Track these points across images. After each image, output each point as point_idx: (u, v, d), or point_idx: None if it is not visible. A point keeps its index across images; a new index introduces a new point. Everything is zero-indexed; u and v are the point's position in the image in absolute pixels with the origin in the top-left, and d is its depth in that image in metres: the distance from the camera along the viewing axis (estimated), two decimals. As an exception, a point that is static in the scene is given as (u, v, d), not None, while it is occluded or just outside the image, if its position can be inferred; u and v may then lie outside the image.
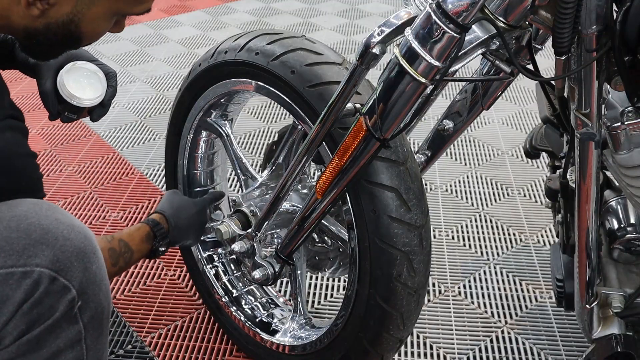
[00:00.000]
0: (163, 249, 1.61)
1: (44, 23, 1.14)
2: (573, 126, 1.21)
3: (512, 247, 2.26)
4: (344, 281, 2.09)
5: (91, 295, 1.15)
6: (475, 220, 2.40)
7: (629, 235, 1.43)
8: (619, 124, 1.16)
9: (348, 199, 1.38)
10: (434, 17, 1.09)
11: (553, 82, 1.24)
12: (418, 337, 1.90)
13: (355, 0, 4.82)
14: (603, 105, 1.18)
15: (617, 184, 1.47)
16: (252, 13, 4.67)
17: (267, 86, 1.50)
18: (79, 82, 1.45)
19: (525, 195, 2.54)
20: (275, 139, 1.67)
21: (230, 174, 2.49)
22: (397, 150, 1.35)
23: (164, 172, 2.45)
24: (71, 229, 1.14)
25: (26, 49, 1.24)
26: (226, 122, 1.76)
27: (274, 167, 1.63)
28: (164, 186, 1.99)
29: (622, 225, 1.44)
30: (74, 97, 1.44)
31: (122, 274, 1.63)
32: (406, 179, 1.35)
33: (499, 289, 2.08)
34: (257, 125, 3.09)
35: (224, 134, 1.74)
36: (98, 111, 1.54)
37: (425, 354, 1.85)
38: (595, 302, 1.41)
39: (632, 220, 1.44)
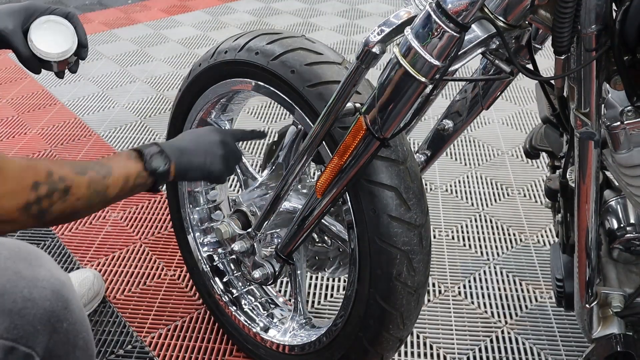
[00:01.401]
0: (158, 162, 1.28)
1: None
2: (573, 126, 1.21)
3: (512, 247, 2.26)
4: (344, 281, 2.09)
5: (63, 356, 1.03)
6: (475, 220, 2.40)
7: (628, 235, 1.43)
8: (618, 123, 1.16)
9: (348, 198, 1.38)
10: (433, 16, 1.09)
11: (553, 81, 1.24)
12: (418, 337, 1.90)
13: (355, 0, 4.82)
14: (602, 105, 1.18)
15: (616, 184, 1.47)
16: (252, 13, 4.67)
17: (267, 86, 1.50)
18: (49, 38, 1.43)
19: (525, 195, 2.54)
20: (275, 139, 1.67)
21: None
22: (397, 149, 1.35)
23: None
24: (34, 285, 1.00)
25: None
26: (226, 122, 1.76)
27: (274, 167, 1.63)
28: (164, 186, 1.99)
29: (622, 225, 1.44)
30: (51, 54, 1.42)
31: (104, 190, 1.22)
32: (406, 178, 1.35)
33: (499, 289, 2.08)
34: (257, 125, 3.09)
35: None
36: (82, 52, 1.45)
37: (425, 354, 1.85)
38: (595, 302, 1.41)
39: (632, 220, 1.44)
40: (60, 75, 1.45)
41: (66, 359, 1.04)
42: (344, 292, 1.59)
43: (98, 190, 1.21)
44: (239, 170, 1.72)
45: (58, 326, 1.01)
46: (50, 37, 1.41)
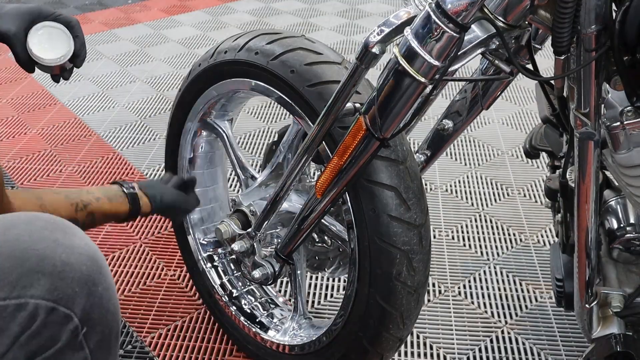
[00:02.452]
0: (147, 210, 1.59)
1: None
2: (572, 126, 1.21)
3: (512, 247, 2.26)
4: (344, 281, 2.09)
5: (97, 319, 1.08)
6: (475, 220, 2.40)
7: (628, 235, 1.43)
8: (618, 123, 1.16)
9: (348, 198, 1.38)
10: (433, 16, 1.09)
11: (552, 81, 1.24)
12: (418, 337, 1.90)
13: (355, 0, 4.82)
14: (602, 105, 1.18)
15: (616, 184, 1.47)
16: (252, 13, 4.67)
17: (266, 86, 1.50)
18: (45, 43, 1.47)
19: (525, 195, 2.54)
20: (275, 139, 1.67)
21: (231, 174, 2.49)
22: (397, 149, 1.35)
23: (163, 172, 2.45)
24: (71, 251, 1.06)
25: None
26: (226, 122, 1.76)
27: (273, 167, 1.63)
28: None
29: (622, 225, 1.44)
30: (44, 59, 1.45)
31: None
32: (405, 178, 1.35)
33: (499, 289, 2.08)
34: (257, 125, 3.09)
35: (224, 134, 1.74)
36: (77, 61, 1.52)
37: (425, 354, 1.85)
38: (595, 302, 1.41)
39: (632, 220, 1.44)
40: (55, 79, 1.51)
41: (99, 322, 1.07)
42: (344, 292, 1.59)
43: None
44: (239, 171, 1.72)
45: (94, 289, 1.06)
46: (47, 43, 1.46)
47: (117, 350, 1.16)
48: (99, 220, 1.51)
